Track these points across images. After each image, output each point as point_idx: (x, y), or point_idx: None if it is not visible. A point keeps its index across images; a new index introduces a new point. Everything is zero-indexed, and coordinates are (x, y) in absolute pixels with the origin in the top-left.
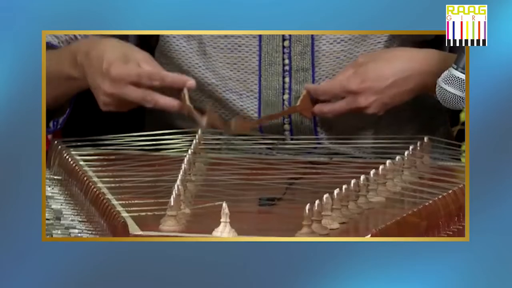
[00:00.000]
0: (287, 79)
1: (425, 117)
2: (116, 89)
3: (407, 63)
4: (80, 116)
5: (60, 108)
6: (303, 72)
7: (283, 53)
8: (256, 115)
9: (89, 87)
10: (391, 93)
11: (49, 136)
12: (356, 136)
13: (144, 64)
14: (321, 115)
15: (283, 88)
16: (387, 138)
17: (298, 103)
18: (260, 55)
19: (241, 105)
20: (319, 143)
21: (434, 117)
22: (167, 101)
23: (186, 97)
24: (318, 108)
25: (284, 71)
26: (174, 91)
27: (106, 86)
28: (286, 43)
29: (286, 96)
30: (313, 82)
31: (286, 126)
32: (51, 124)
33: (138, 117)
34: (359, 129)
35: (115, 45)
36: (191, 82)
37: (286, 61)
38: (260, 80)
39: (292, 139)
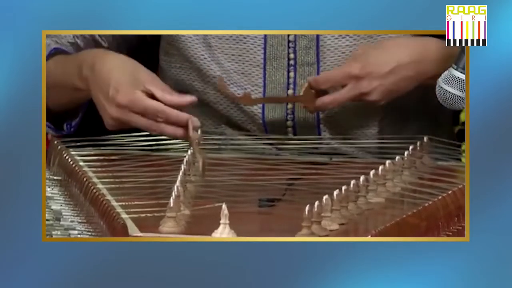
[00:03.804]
0: (292, 74)
1: (428, 116)
2: (122, 115)
3: (407, 50)
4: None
5: (73, 112)
6: (308, 66)
7: (288, 47)
8: (260, 110)
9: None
10: (393, 79)
11: (49, 136)
12: (360, 135)
13: (151, 85)
14: (324, 108)
15: (288, 83)
16: (387, 138)
17: (301, 93)
18: (265, 48)
19: None
20: (321, 143)
21: (437, 116)
22: (172, 131)
23: (190, 128)
24: (320, 100)
25: (289, 65)
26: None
27: (113, 111)
28: (292, 37)
29: (290, 91)
30: None
31: (289, 123)
32: (65, 127)
33: None
34: (363, 128)
35: (122, 63)
36: (195, 120)
37: (292, 55)
38: (265, 74)
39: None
